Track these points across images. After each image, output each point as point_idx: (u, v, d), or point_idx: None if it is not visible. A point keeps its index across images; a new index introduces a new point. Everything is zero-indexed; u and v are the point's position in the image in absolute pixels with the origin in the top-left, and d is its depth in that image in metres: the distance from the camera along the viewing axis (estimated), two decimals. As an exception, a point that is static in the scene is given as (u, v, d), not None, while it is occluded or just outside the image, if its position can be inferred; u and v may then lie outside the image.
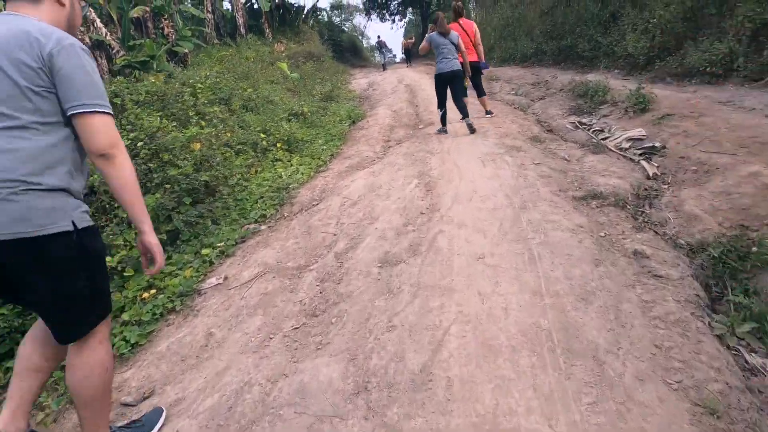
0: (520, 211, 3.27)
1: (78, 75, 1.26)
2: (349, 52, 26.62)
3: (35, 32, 1.23)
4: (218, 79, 9.52)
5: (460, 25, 6.45)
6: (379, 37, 23.14)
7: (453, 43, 5.83)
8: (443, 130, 6.32)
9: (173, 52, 13.70)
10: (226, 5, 20.73)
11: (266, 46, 18.01)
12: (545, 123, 6.42)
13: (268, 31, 19.51)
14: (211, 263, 3.38)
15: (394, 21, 27.86)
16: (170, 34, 14.71)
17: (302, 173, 5.31)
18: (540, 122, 6.52)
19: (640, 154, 4.33)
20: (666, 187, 3.55)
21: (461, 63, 5.91)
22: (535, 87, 9.28)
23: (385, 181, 4.51)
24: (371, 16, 27.82)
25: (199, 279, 3.14)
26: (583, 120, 6.02)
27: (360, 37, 32.74)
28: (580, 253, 2.58)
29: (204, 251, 3.45)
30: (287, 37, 19.84)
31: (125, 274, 2.99)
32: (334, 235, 3.52)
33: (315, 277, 2.89)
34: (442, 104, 6.22)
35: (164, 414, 1.84)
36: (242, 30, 18.79)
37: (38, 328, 1.50)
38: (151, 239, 1.44)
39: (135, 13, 15.02)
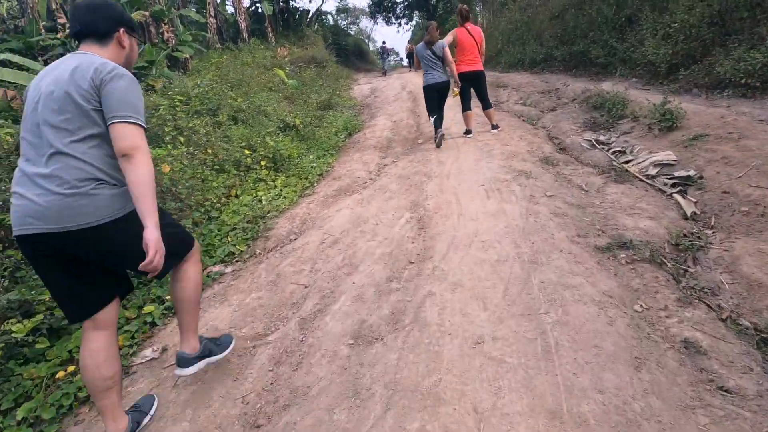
0: (531, 267, 2.59)
1: (116, 93, 1.48)
2: (355, 55, 26.01)
3: (98, 65, 1.50)
4: (209, 88, 8.95)
5: (467, 30, 5.81)
6: (384, 43, 22.42)
7: (437, 54, 5.55)
8: (440, 134, 5.93)
9: (174, 58, 13.20)
10: (230, 9, 20.22)
11: (269, 51, 17.44)
12: (557, 140, 5.71)
13: (271, 35, 18.96)
14: (153, 325, 2.74)
15: (400, 24, 27.21)
16: (170, 39, 14.23)
17: (285, 197, 4.66)
18: (551, 139, 5.82)
19: (672, 184, 3.62)
20: (711, 233, 2.84)
21: (450, 72, 5.70)
22: (545, 96, 8.56)
23: (373, 213, 3.85)
24: (377, 20, 27.25)
25: (132, 350, 2.51)
26: (601, 138, 5.30)
27: (366, 41, 32.14)
28: (612, 343, 1.89)
29: (147, 308, 2.82)
30: (291, 41, 19.27)
31: (38, 345, 2.36)
32: (305, 287, 2.87)
33: (269, 357, 2.24)
34: (432, 111, 5.99)
35: (233, 342, 2.23)
36: (245, 34, 18.26)
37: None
38: (150, 235, 1.47)
39: (134, 17, 14.52)
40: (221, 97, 7.96)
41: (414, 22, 28.36)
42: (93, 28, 1.62)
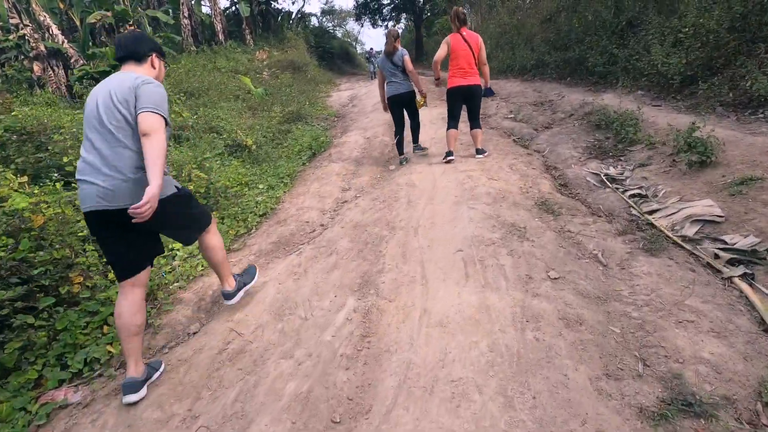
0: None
1: (145, 94, 1.88)
2: (341, 59, 24.73)
3: (135, 77, 1.93)
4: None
5: (462, 37, 4.68)
6: (371, 49, 21.24)
7: (395, 65, 4.95)
8: (402, 160, 5.45)
9: None
10: (206, 10, 18.85)
11: (247, 54, 16.14)
12: (556, 171, 4.54)
13: (249, 38, 17.64)
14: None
15: (386, 27, 25.93)
16: (136, 42, 12.83)
17: (196, 263, 3.37)
18: (549, 169, 4.65)
19: (728, 260, 2.47)
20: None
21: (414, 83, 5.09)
22: (538, 109, 7.39)
23: (306, 296, 2.65)
24: (363, 22, 25.91)
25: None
26: (611, 170, 4.14)
27: (354, 44, 30.79)
28: None
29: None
30: (271, 44, 17.96)
31: None
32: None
33: None
34: (398, 129, 5.37)
35: (257, 270, 2.86)
36: (221, 37, 16.93)
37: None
38: (150, 191, 1.75)
39: (92, 18, 13.16)
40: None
41: (401, 25, 27.10)
42: (134, 53, 2.07)
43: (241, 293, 2.61)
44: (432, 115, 7.85)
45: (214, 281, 3.04)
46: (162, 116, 1.88)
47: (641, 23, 7.35)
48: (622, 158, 4.42)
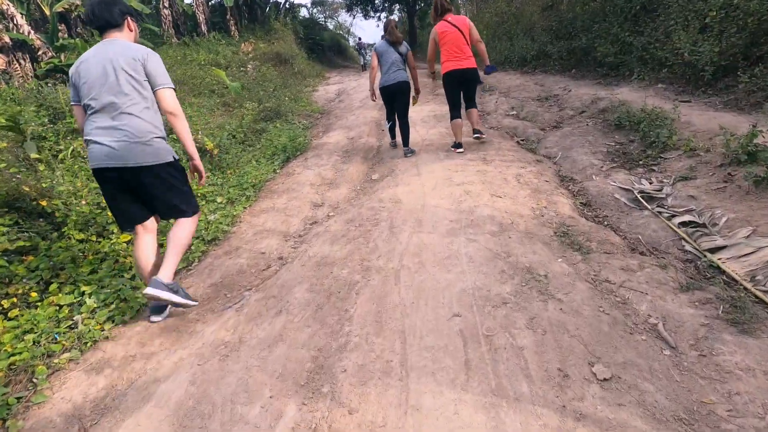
0: None
1: (154, 68, 2.06)
2: (332, 51, 23.61)
3: (131, 47, 2.05)
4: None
5: (449, 22, 4.36)
6: (359, 39, 20.28)
7: (400, 54, 4.69)
8: (393, 144, 5.38)
9: None
10: (189, 0, 17.66)
11: (232, 46, 15.06)
12: (574, 183, 3.64)
13: (234, 29, 16.52)
14: None
15: (379, 18, 24.76)
16: (110, 33, 11.76)
17: (108, 312, 2.48)
18: (564, 180, 3.74)
19: None
20: None
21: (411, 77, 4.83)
22: (542, 105, 6.47)
23: (227, 397, 1.73)
24: (354, 13, 24.72)
25: None
26: (645, 185, 3.25)
27: (346, 36, 29.58)
28: None
29: None
30: (257, 35, 16.85)
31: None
32: None
33: None
34: (390, 116, 5.16)
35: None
36: (203, 28, 15.82)
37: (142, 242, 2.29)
38: (198, 164, 2.29)
39: (59, 7, 12.04)
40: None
41: (395, 15, 25.92)
42: (111, 21, 2.07)
43: (168, 294, 2.18)
44: (423, 113, 6.91)
45: (118, 351, 2.13)
46: (174, 89, 2.13)
47: (659, 7, 6.41)
48: (655, 168, 3.52)
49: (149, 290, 2.10)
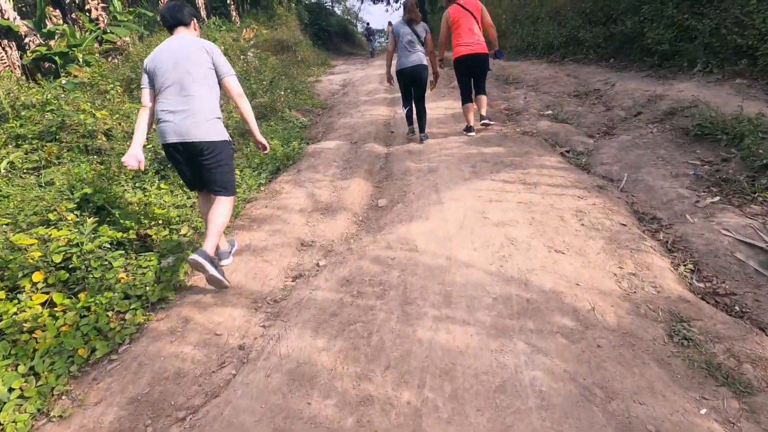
0: None
1: (221, 60, 2.31)
2: (340, 37, 22.23)
3: (199, 41, 2.31)
4: (74, 92, 5.66)
5: (461, 6, 4.22)
6: (368, 24, 18.98)
7: (417, 34, 4.26)
8: (411, 130, 4.83)
9: (110, 41, 9.88)
10: (188, -17, 16.39)
11: (232, 33, 13.86)
12: (660, 226, 2.53)
13: (234, 14, 15.29)
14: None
15: (388, 2, 23.20)
16: (100, 18, 10.76)
17: None
18: (645, 220, 2.63)
19: None
20: None
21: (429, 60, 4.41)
22: (582, 103, 5.29)
23: None
24: (363, -3, 23.21)
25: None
26: (783, 240, 2.15)
27: (354, 21, 28.00)
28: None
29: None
30: (259, 21, 15.61)
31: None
32: None
33: None
34: (407, 101, 4.63)
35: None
36: (202, 13, 14.64)
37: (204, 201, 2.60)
38: (262, 139, 2.53)
39: (49, -11, 10.90)
40: (74, 110, 4.70)
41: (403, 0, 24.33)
42: (182, 21, 2.36)
43: (209, 266, 2.28)
44: (439, 111, 5.78)
45: None
46: (236, 75, 2.36)
47: (728, -17, 5.15)
48: (778, 205, 2.40)
49: (193, 257, 2.24)
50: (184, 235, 3.18)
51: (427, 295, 2.05)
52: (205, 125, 2.25)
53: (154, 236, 3.19)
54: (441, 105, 6.15)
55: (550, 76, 6.82)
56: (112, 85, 5.93)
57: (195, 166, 2.38)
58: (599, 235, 2.38)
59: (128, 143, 4.50)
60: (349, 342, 1.84)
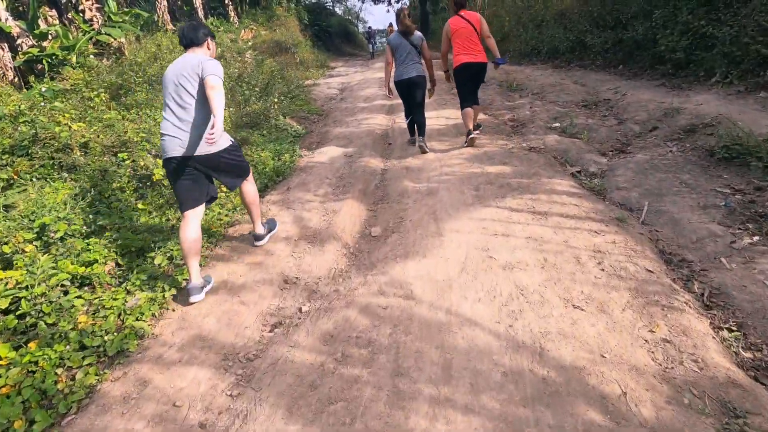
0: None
1: (208, 66, 2.27)
2: (340, 38, 21.85)
3: (198, 57, 2.36)
4: (54, 100, 5.32)
5: (462, 17, 4.17)
6: (370, 27, 18.67)
7: (414, 45, 4.19)
8: (412, 141, 4.70)
9: (104, 42, 9.54)
10: (186, -18, 16.01)
11: (230, 33, 13.51)
12: (691, 271, 2.18)
13: (233, 14, 14.93)
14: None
15: (390, 3, 22.77)
16: (94, 20, 10.39)
17: None
18: (672, 263, 2.28)
19: None
20: None
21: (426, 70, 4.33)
22: (592, 114, 4.94)
23: None
24: (363, -2, 22.72)
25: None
26: None
27: (355, 22, 27.55)
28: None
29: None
30: (258, 22, 15.25)
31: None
32: None
33: None
34: (408, 113, 4.57)
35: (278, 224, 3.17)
36: (200, 13, 14.29)
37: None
38: (218, 124, 2.17)
39: (36, -11, 10.55)
40: (50, 120, 4.37)
41: (404, 1, 23.89)
42: (195, 40, 2.46)
43: (267, 238, 2.97)
44: (439, 122, 5.44)
45: None
46: (220, 78, 2.28)
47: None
48: (835, 253, 2.06)
49: (260, 243, 2.91)
50: (159, 266, 2.85)
51: (423, 364, 1.71)
52: (200, 138, 2.35)
53: (124, 266, 2.88)
54: (442, 114, 5.81)
55: (556, 83, 6.46)
56: (96, 92, 5.59)
57: (199, 176, 2.48)
58: (623, 285, 2.04)
59: (106, 158, 4.19)
60: (328, 429, 1.50)
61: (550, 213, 2.79)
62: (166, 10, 13.74)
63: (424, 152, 4.36)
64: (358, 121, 6.17)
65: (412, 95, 4.28)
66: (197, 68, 2.30)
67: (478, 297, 2.06)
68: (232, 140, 2.59)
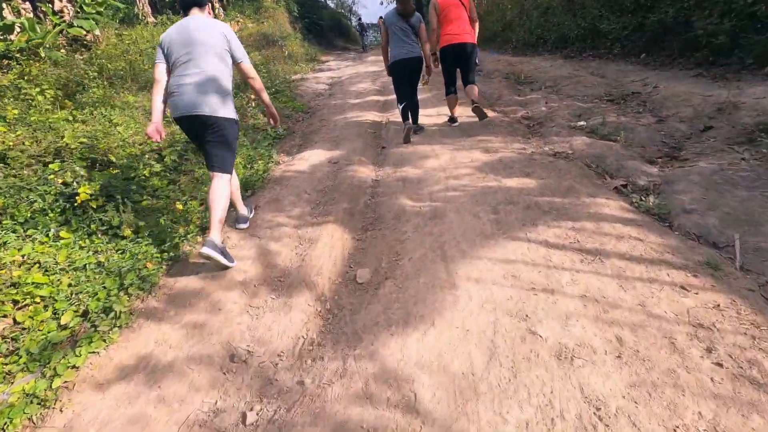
0: None
1: (237, 44, 2.36)
2: (333, 31, 20.80)
3: (218, 24, 2.33)
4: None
5: None
6: (360, 18, 17.79)
7: (411, 26, 3.87)
8: (407, 125, 4.08)
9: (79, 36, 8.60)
10: (167, -28, 14.93)
11: (215, 26, 12.49)
12: None
13: (218, 5, 13.90)
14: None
15: (383, -5, 21.65)
16: (65, 10, 9.36)
17: None
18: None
19: None
20: None
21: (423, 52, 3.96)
22: (623, 110, 4.08)
23: None
24: (356, -11, 21.63)
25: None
26: None
27: (348, 15, 26.39)
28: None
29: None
30: (246, 14, 14.23)
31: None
32: None
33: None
34: (401, 98, 4.08)
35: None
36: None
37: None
38: (274, 110, 2.60)
39: (-3, -23, 9.52)
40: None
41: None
42: (198, 2, 2.39)
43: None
44: (439, 119, 4.57)
45: None
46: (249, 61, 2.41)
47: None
48: None
49: (204, 250, 2.24)
50: (65, 327, 2.01)
51: None
52: (215, 101, 2.28)
53: (25, 323, 2.04)
54: (443, 111, 4.94)
55: (571, 75, 5.59)
56: (39, 90, 4.67)
57: (201, 140, 2.40)
58: (760, 398, 1.20)
59: (32, 168, 3.31)
60: None
61: (606, 252, 1.95)
62: (147, 2, 12.75)
63: (408, 139, 4.04)
64: (346, 121, 5.29)
65: (409, 77, 3.98)
66: (221, 36, 2.31)
67: (525, 420, 1.22)
68: (237, 120, 2.50)
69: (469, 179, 3.00)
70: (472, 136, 3.94)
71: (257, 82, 2.48)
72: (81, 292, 2.21)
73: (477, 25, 4.00)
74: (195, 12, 2.39)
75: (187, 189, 3.40)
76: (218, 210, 2.31)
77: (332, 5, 24.15)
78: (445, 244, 2.25)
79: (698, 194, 2.39)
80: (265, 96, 2.56)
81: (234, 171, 2.56)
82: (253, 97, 5.60)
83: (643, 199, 2.49)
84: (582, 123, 3.85)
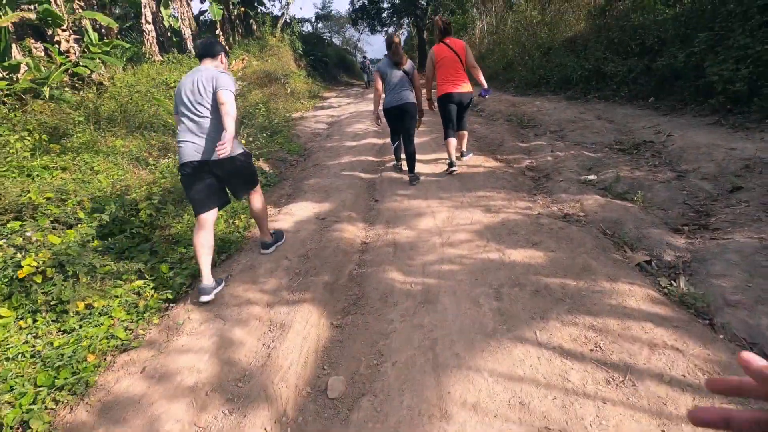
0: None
1: (221, 79, 2.35)
2: (338, 67, 21.10)
3: (211, 70, 2.40)
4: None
5: (447, 45, 3.93)
6: (364, 57, 18.10)
7: (405, 72, 3.89)
8: (398, 167, 4.57)
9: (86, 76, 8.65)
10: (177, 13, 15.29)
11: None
12: None
13: (224, 44, 14.05)
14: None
15: (386, 33, 22.09)
16: (71, 50, 9.41)
17: None
18: None
19: None
20: None
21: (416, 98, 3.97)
22: (636, 163, 3.72)
23: None
24: (361, 28, 22.03)
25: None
26: None
27: (353, 52, 26.91)
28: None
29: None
30: (251, 52, 14.40)
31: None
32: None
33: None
34: (395, 136, 4.40)
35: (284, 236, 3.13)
36: (189, 44, 13.48)
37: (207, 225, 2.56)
38: (228, 135, 2.23)
39: (7, 20, 9.64)
40: None
41: (403, 31, 23.24)
42: (210, 53, 2.54)
43: (273, 247, 2.96)
44: (437, 167, 4.25)
45: None
46: (232, 91, 2.35)
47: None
48: None
49: (267, 251, 2.88)
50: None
51: None
52: (214, 144, 2.36)
53: None
54: (442, 157, 4.62)
55: (576, 118, 5.30)
56: (18, 136, 4.44)
57: (213, 182, 2.50)
58: None
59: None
60: None
61: (638, 370, 1.53)
62: (154, 41, 12.93)
63: (413, 182, 4.06)
64: (341, 166, 4.98)
65: (402, 123, 3.94)
66: (212, 81, 2.37)
67: None
68: (245, 149, 2.62)
69: (467, 248, 2.62)
70: (472, 190, 3.59)
71: (225, 107, 2.34)
72: (5, 392, 1.84)
73: (477, 71, 4.01)
74: (206, 62, 2.53)
75: (160, 249, 3.06)
76: (262, 216, 2.85)
77: (337, 42, 24.68)
78: (437, 342, 1.84)
79: (741, 280, 1.98)
80: (230, 124, 2.30)
81: (212, 229, 2.56)
82: (243, 135, 5.34)
83: (673, 282, 2.08)
84: (593, 177, 3.49)
